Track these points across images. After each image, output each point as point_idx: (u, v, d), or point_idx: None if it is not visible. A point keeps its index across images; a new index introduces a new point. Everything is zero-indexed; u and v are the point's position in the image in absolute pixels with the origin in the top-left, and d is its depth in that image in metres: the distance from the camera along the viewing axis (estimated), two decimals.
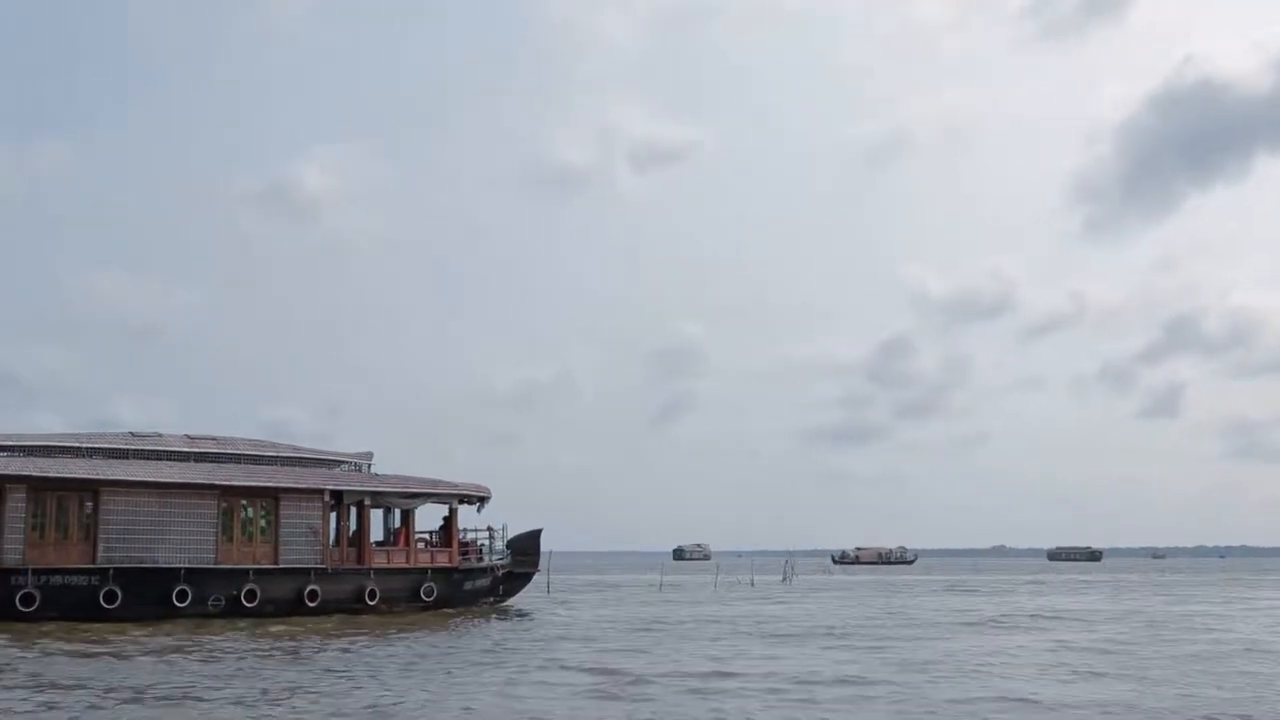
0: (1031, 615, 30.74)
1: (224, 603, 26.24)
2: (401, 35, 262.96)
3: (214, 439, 29.01)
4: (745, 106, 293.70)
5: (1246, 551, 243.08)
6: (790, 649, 20.16)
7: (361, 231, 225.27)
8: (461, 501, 30.88)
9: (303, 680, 15.12)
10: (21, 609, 24.07)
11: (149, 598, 25.35)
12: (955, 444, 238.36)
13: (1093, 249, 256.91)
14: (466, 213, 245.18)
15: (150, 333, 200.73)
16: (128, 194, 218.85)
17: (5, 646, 19.14)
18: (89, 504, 25.63)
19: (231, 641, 20.56)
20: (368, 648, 19.78)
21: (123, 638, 21.03)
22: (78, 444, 27.10)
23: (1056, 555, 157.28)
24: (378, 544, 29.88)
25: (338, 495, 28.61)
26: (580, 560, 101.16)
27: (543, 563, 34.13)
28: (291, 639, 21.38)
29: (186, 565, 26.04)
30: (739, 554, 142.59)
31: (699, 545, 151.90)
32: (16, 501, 24.89)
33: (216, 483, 26.91)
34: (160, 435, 28.51)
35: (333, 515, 28.64)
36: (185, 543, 26.27)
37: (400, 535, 30.31)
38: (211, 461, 27.95)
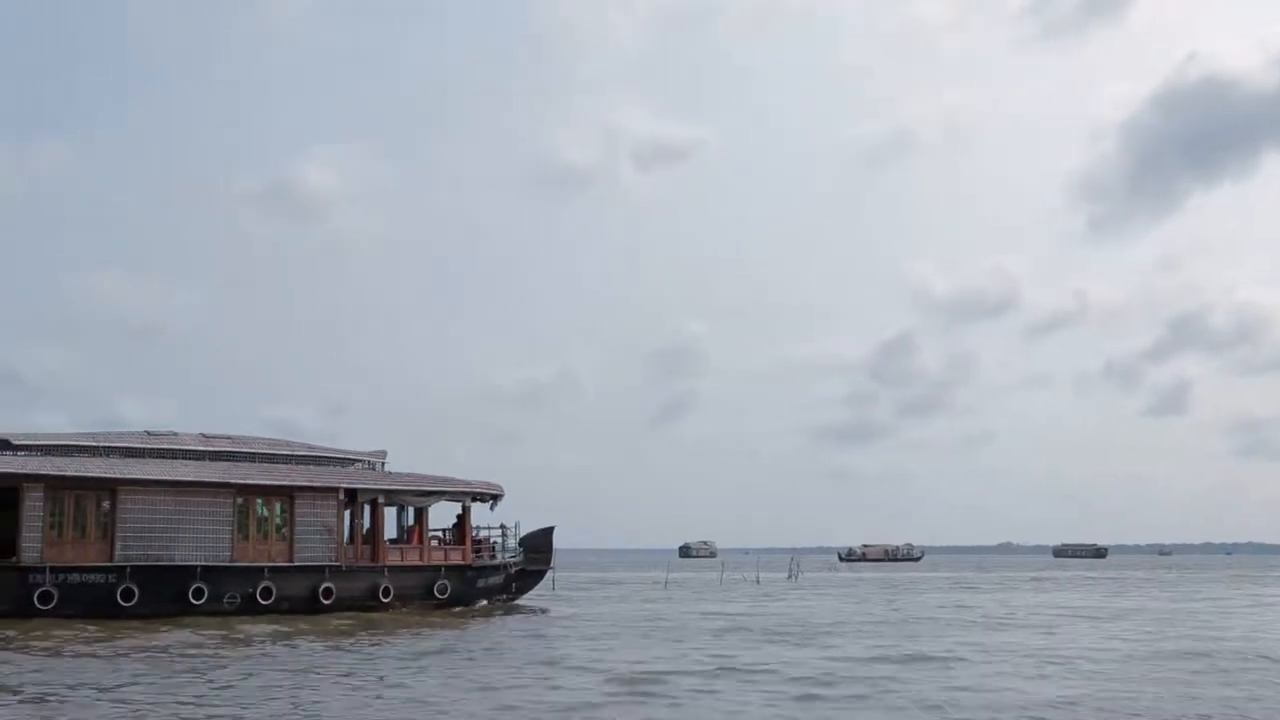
0: (1031, 612, 30.80)
1: (240, 600, 26.41)
2: (402, 35, 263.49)
3: (229, 438, 29.23)
4: (747, 106, 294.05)
5: (1253, 548, 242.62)
6: (793, 647, 20.24)
7: (362, 231, 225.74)
8: (475, 499, 31.01)
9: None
10: (40, 607, 24.26)
11: (166, 595, 25.54)
12: (960, 442, 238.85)
13: (1096, 248, 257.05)
14: (468, 212, 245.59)
15: (151, 332, 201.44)
16: (128, 194, 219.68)
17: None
18: (106, 503, 25.80)
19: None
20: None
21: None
22: (94, 443, 27.28)
23: (1062, 552, 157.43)
24: (392, 542, 30.04)
25: (352, 493, 28.75)
26: (585, 558, 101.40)
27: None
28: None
29: (203, 563, 26.22)
30: (745, 551, 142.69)
31: (705, 543, 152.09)
32: (34, 500, 25.06)
33: (232, 481, 27.08)
34: (176, 434, 28.73)
35: (347, 513, 28.77)
36: (201, 541, 26.43)
37: (414, 533, 30.47)
38: (227, 460, 28.11)
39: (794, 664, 17.21)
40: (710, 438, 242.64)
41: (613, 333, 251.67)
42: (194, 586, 25.82)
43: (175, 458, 27.59)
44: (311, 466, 29.10)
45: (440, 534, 31.13)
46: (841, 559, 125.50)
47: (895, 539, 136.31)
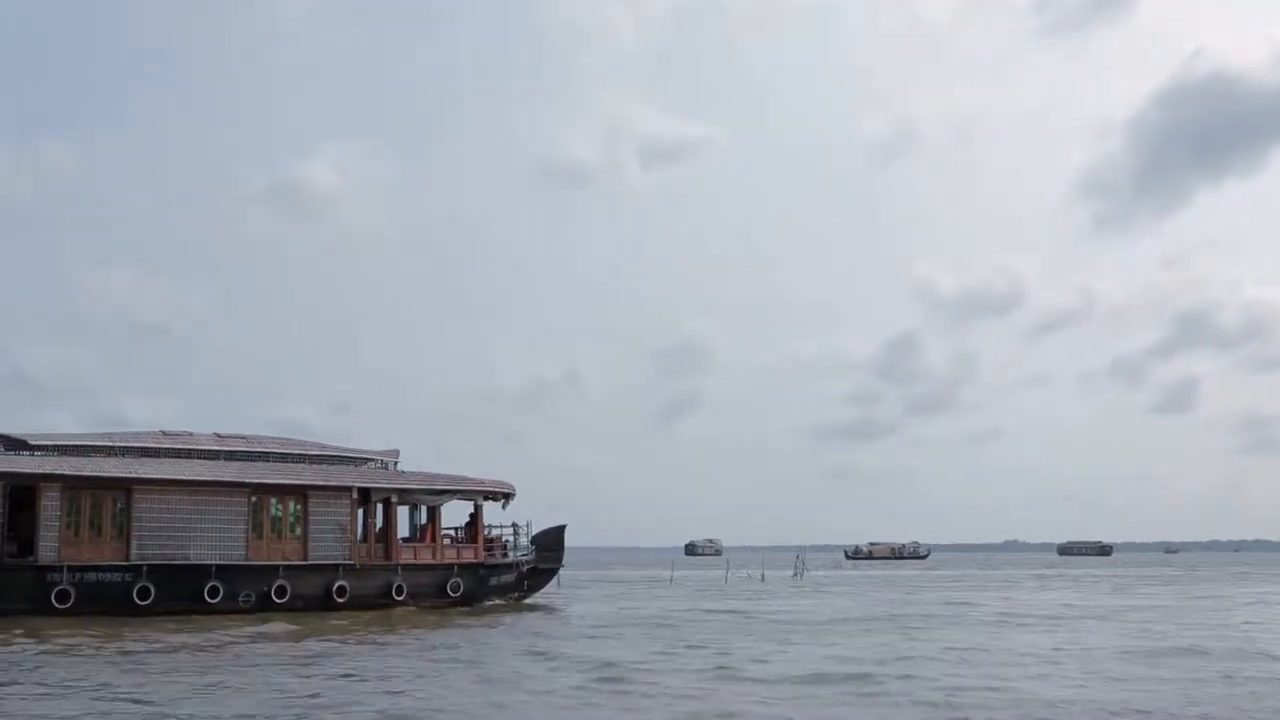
0: (1029, 610, 30.80)
1: (254, 599, 26.63)
2: (407, 33, 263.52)
3: (243, 437, 29.48)
4: (751, 103, 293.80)
5: (1261, 546, 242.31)
6: (797, 645, 20.33)
7: (368, 230, 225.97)
8: (487, 498, 31.19)
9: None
10: (57, 605, 24.51)
11: (181, 594, 25.78)
12: (966, 440, 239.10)
13: (1102, 245, 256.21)
14: (473, 210, 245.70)
15: (157, 331, 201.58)
16: (134, 193, 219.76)
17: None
18: (122, 502, 26.04)
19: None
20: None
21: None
22: (110, 443, 27.51)
23: (1067, 550, 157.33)
24: (405, 540, 30.26)
25: (365, 492, 28.95)
26: (591, 556, 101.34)
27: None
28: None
29: (218, 562, 26.44)
30: (752, 549, 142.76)
31: (710, 541, 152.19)
32: (51, 500, 25.30)
33: (247, 480, 27.30)
34: (191, 434, 28.96)
35: (360, 512, 28.97)
36: (216, 539, 26.65)
37: (426, 531, 30.66)
38: (241, 459, 28.34)
39: (793, 662, 17.26)
40: (716, 436, 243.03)
41: (618, 331, 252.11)
42: (209, 585, 26.05)
43: (190, 457, 27.83)
44: (325, 466, 29.33)
45: (453, 532, 31.32)
46: (848, 557, 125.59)
47: (901, 537, 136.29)
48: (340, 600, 27.50)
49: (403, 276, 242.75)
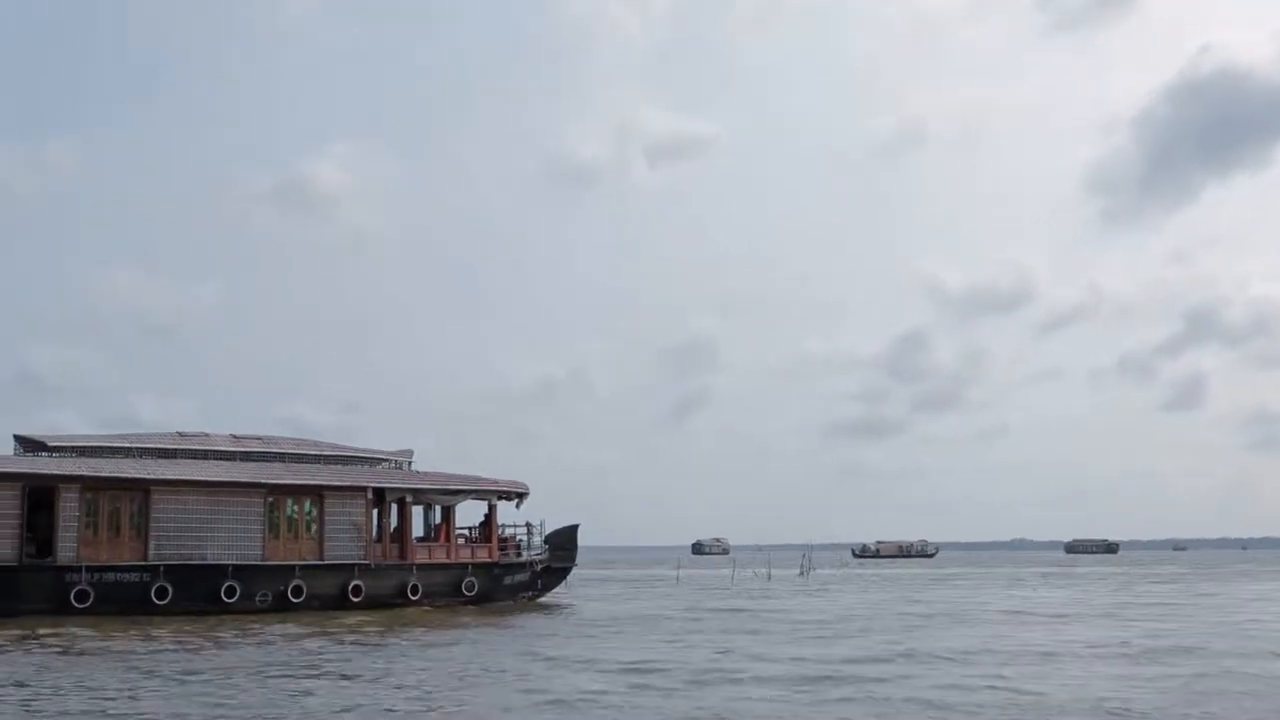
0: (1028, 610, 30.78)
1: (271, 598, 26.83)
2: (413, 32, 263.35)
3: (259, 438, 29.71)
4: (760, 101, 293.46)
5: (1270, 543, 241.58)
6: (798, 645, 20.38)
7: (375, 229, 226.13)
8: (501, 498, 31.36)
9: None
10: (76, 605, 24.72)
11: (199, 594, 25.99)
12: (974, 437, 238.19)
13: (1110, 241, 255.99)
14: (481, 209, 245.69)
15: (165, 330, 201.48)
16: (142, 192, 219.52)
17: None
18: (140, 502, 26.24)
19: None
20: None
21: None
22: (128, 444, 27.76)
23: (1073, 548, 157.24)
24: (419, 540, 30.44)
25: (380, 492, 29.13)
26: (598, 555, 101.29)
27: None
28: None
29: (235, 562, 26.64)
30: (759, 548, 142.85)
31: (718, 539, 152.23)
32: (70, 501, 25.52)
33: (263, 481, 27.50)
34: (207, 435, 29.21)
35: (375, 512, 29.15)
36: (233, 540, 26.86)
37: (441, 531, 30.83)
38: (257, 460, 28.56)
39: (793, 661, 17.28)
40: (723, 434, 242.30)
41: (626, 329, 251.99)
42: (226, 585, 26.26)
43: (207, 458, 28.07)
44: (340, 466, 29.53)
45: (467, 532, 31.49)
46: (855, 555, 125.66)
47: (909, 535, 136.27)
48: (356, 600, 27.69)
49: (409, 275, 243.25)
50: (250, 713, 12.46)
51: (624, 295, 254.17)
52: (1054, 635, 22.33)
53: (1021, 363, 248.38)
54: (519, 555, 31.85)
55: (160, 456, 27.55)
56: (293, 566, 27.29)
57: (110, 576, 25.47)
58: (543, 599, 32.45)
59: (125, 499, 26.18)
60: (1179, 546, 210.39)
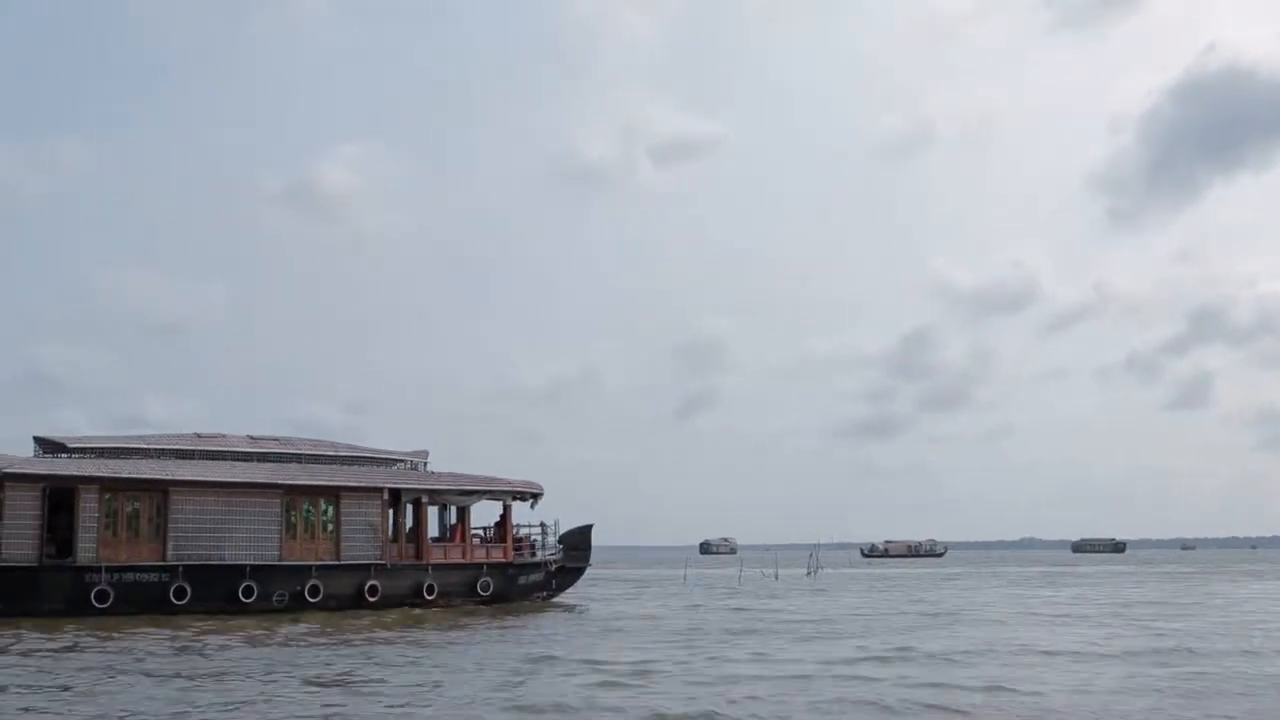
0: (1029, 610, 30.80)
1: (288, 598, 27.04)
2: (422, 33, 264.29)
3: (276, 439, 29.94)
4: (768, 100, 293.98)
5: (1279, 542, 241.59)
6: (802, 645, 20.46)
7: (385, 229, 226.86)
8: (515, 498, 31.55)
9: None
10: (96, 605, 24.98)
11: (217, 593, 26.21)
12: (982, 436, 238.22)
13: (1116, 240, 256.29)
14: (489, 209, 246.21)
15: (175, 331, 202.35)
16: (152, 193, 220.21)
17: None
18: (159, 503, 26.46)
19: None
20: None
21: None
22: (146, 445, 27.98)
23: (1080, 547, 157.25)
24: (435, 540, 30.64)
25: (396, 493, 29.35)
26: (605, 554, 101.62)
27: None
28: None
29: (252, 562, 26.86)
30: (766, 548, 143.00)
31: (725, 539, 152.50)
32: (90, 501, 25.75)
33: (280, 482, 27.71)
34: (224, 436, 29.41)
35: (391, 512, 29.35)
36: (251, 540, 27.08)
37: (456, 531, 31.02)
38: (274, 461, 28.77)
39: (797, 662, 17.33)
40: (732, 433, 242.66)
41: (635, 329, 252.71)
42: (244, 585, 26.48)
43: (224, 459, 28.28)
44: (357, 467, 29.73)
45: (482, 532, 31.67)
46: (864, 555, 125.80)
47: (918, 534, 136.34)
48: (372, 599, 27.89)
49: (419, 276, 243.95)
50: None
51: (632, 295, 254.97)
52: (1056, 635, 22.35)
53: (1028, 362, 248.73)
54: (533, 555, 32.02)
55: (178, 457, 27.78)
56: (309, 567, 27.50)
57: (130, 577, 25.70)
58: (556, 599, 32.61)
59: (144, 500, 26.41)
60: (1187, 546, 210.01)
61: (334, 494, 28.33)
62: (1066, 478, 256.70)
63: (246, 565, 26.74)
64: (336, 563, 27.98)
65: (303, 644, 19.95)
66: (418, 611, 27.79)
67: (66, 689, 14.09)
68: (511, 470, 32.47)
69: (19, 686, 14.27)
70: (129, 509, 26.28)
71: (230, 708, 12.68)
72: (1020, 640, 21.03)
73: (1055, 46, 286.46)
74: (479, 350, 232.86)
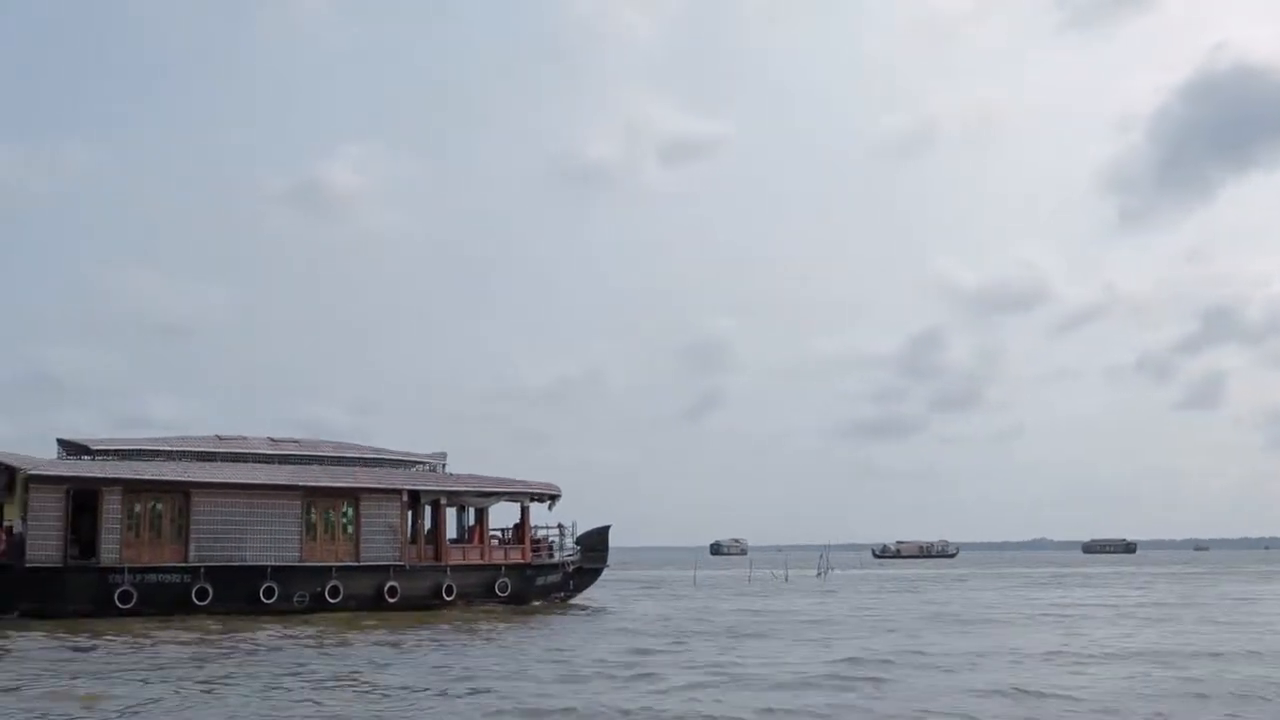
0: (1037, 611, 30.79)
1: (308, 599, 27.26)
2: (425, 33, 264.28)
3: (296, 441, 30.19)
4: (769, 100, 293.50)
5: None
6: (805, 645, 20.54)
7: (389, 230, 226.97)
8: (533, 500, 31.71)
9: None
10: (120, 606, 25.22)
11: (238, 594, 26.43)
12: (991, 437, 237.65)
13: (1126, 239, 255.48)
14: (493, 210, 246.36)
15: (179, 332, 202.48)
16: (156, 193, 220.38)
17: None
18: (181, 505, 26.68)
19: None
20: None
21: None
22: (169, 447, 28.21)
23: (1091, 548, 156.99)
24: (453, 542, 30.83)
25: (415, 495, 29.54)
26: (615, 555, 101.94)
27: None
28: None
29: (273, 563, 27.07)
30: (778, 549, 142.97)
31: (736, 540, 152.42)
32: (113, 503, 25.99)
33: (300, 484, 27.92)
34: (245, 438, 29.65)
35: (410, 514, 29.51)
36: (271, 541, 27.29)
37: (474, 533, 31.19)
38: (294, 463, 28.97)
39: (799, 663, 17.36)
40: (739, 434, 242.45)
41: (640, 329, 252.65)
42: (264, 586, 26.71)
43: (245, 461, 28.50)
44: (375, 469, 29.92)
45: (500, 533, 31.85)
46: (875, 556, 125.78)
47: (929, 535, 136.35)
48: (391, 600, 28.08)
49: (423, 276, 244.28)
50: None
51: (637, 295, 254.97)
52: (1061, 636, 22.32)
53: (1038, 362, 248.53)
54: (551, 556, 32.19)
55: (200, 460, 28.00)
56: (330, 568, 27.71)
57: (152, 578, 25.94)
58: (574, 599, 32.76)
59: (166, 501, 26.64)
60: (1200, 546, 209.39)
61: (354, 496, 28.52)
62: (1076, 478, 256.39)
63: (267, 566, 26.97)
64: (356, 564, 28.18)
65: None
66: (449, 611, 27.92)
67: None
68: (519, 470, 32.68)
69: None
70: (152, 510, 26.53)
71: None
72: (1037, 642, 21.01)
73: (1057, 46, 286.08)
74: (481, 350, 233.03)
